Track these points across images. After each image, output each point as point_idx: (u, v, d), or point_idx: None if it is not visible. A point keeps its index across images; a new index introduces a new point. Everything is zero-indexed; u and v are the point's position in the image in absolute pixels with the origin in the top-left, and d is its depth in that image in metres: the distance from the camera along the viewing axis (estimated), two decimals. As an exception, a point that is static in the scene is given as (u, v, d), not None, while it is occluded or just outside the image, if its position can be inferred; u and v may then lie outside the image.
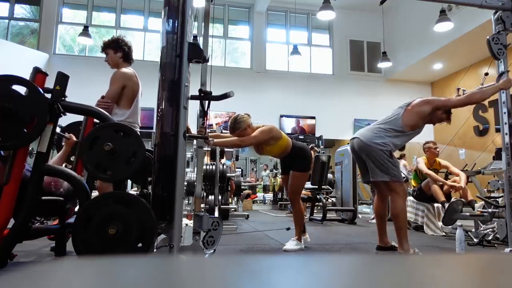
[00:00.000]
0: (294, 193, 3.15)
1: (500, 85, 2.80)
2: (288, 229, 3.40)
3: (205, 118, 2.14)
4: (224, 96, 2.01)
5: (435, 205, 4.42)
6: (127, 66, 2.91)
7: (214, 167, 4.63)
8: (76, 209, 2.47)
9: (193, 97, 1.98)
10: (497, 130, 7.65)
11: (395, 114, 2.83)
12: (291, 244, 3.04)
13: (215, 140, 2.82)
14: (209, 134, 2.70)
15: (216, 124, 8.58)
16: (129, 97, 2.80)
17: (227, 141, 2.99)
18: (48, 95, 1.88)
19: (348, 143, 6.95)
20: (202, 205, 4.72)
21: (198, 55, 1.91)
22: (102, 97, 2.69)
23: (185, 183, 4.45)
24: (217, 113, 8.90)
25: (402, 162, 6.69)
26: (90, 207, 1.71)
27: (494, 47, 2.84)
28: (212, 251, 1.99)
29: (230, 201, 6.52)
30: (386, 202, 2.97)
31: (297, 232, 3.11)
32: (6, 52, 7.60)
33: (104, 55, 2.95)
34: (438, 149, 4.66)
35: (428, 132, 5.77)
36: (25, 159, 1.91)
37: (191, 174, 5.21)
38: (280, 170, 8.66)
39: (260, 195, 10.77)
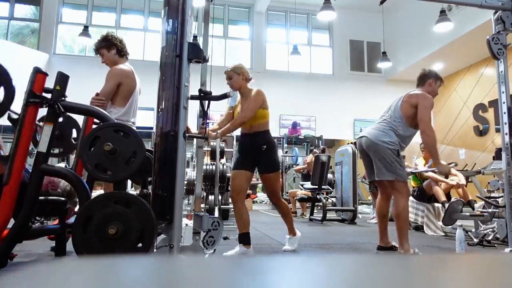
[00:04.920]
0: (277, 195, 2.98)
1: (439, 164, 2.86)
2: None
3: (205, 118, 2.14)
4: (224, 96, 2.02)
5: (435, 205, 4.42)
6: (124, 62, 2.87)
7: (214, 167, 4.63)
8: (76, 209, 2.47)
9: (193, 97, 1.98)
10: (497, 130, 7.65)
11: (394, 105, 2.91)
12: (290, 244, 3.04)
13: (218, 131, 2.80)
14: (209, 129, 2.68)
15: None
16: (125, 95, 2.75)
17: (231, 126, 2.82)
18: (48, 95, 1.88)
19: (348, 143, 6.99)
20: (202, 205, 4.72)
21: (198, 55, 1.91)
22: (97, 94, 2.64)
23: (185, 182, 4.45)
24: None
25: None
26: (90, 207, 1.70)
27: (494, 47, 2.84)
28: (212, 251, 1.99)
29: (230, 201, 6.52)
30: (389, 202, 2.97)
31: (289, 228, 3.03)
32: (6, 52, 7.60)
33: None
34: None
35: (428, 132, 5.79)
36: (25, 159, 1.91)
37: (191, 173, 5.21)
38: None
39: (259, 194, 10.76)
